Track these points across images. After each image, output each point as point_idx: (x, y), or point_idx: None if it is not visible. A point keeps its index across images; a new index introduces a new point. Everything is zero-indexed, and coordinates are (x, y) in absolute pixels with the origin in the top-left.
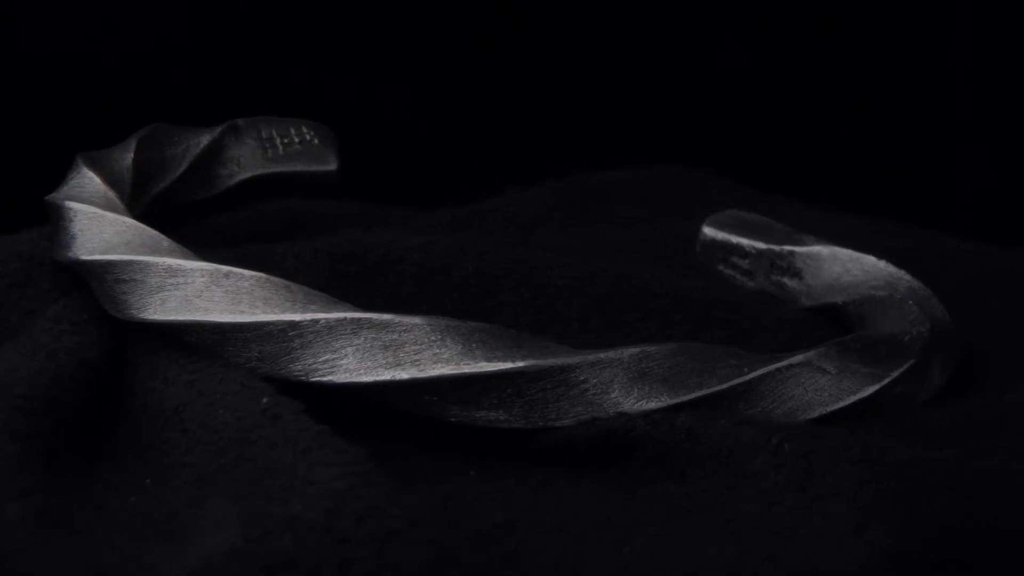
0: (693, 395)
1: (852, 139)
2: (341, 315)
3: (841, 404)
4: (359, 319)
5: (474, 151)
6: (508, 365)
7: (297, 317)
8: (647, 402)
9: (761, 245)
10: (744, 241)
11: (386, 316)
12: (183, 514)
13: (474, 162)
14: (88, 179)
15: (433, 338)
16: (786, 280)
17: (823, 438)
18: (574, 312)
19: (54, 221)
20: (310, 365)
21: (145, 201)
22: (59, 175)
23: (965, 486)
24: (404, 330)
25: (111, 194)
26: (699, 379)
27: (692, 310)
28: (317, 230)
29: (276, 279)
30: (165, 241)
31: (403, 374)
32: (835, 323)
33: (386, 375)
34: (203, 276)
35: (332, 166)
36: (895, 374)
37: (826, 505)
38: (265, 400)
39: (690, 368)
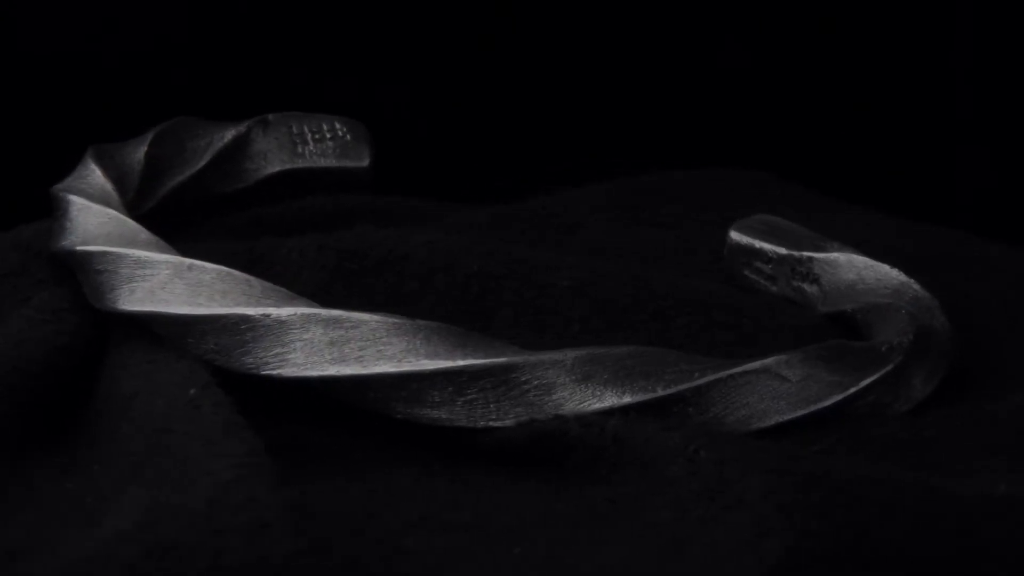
0: (637, 399)
1: (852, 139)
2: (292, 310)
3: (801, 413)
4: (309, 314)
5: (474, 151)
6: (448, 364)
7: (250, 311)
8: (589, 405)
9: (782, 250)
10: (767, 246)
11: (335, 312)
12: (109, 500)
13: (474, 163)
14: (90, 171)
15: (378, 335)
16: (805, 286)
17: (740, 447)
18: (576, 313)
19: (53, 212)
20: (261, 358)
21: (161, 193)
22: (59, 175)
23: (873, 504)
24: (351, 326)
25: (108, 186)
26: (645, 383)
27: (696, 313)
28: (338, 225)
29: (237, 273)
30: (143, 233)
31: (346, 370)
32: (847, 330)
33: (331, 370)
34: (167, 268)
35: (365, 162)
36: (864, 384)
37: (731, 514)
38: (192, 392)
39: (638, 372)
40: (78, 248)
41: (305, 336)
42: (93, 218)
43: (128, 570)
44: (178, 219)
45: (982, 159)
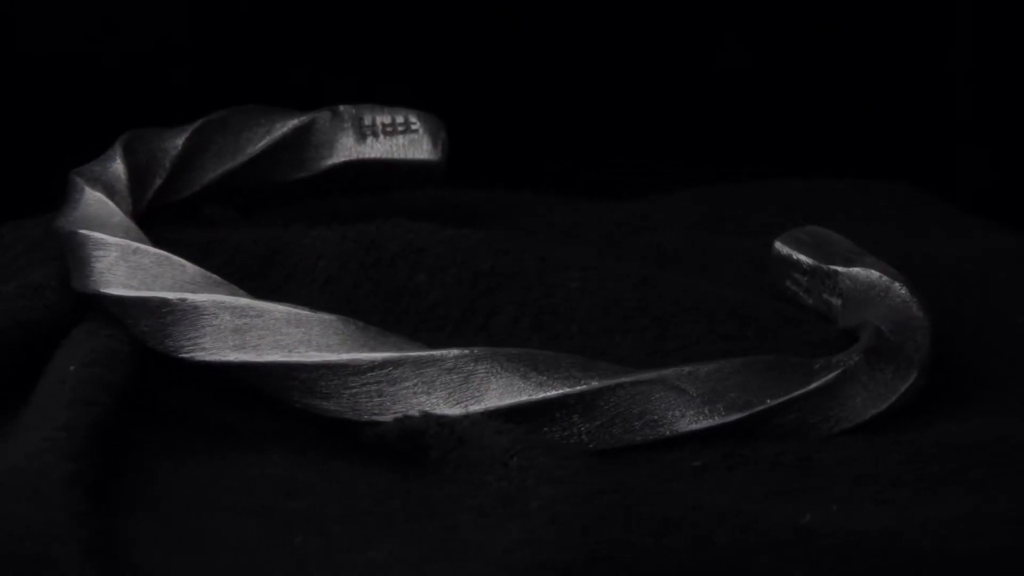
0: (516, 402)
1: (852, 139)
2: (206, 297)
3: (696, 427)
4: (219, 301)
5: (473, 152)
6: (332, 357)
7: (170, 295)
8: (466, 406)
9: (813, 263)
10: (803, 258)
11: (242, 300)
12: None
13: (473, 162)
14: (110, 156)
15: (278, 325)
16: (832, 299)
17: (551, 457)
18: (577, 314)
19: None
20: (178, 342)
21: (207, 180)
22: (58, 175)
23: (648, 523)
24: (255, 315)
25: (121, 171)
26: (525, 385)
27: (699, 321)
28: (385, 217)
29: (174, 258)
30: (117, 216)
31: (244, 357)
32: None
33: (231, 356)
34: (116, 251)
35: (435, 156)
36: (776, 402)
37: (512, 523)
38: (72, 368)
39: (521, 374)
40: (59, 228)
41: (215, 322)
42: (84, 201)
43: None
44: (230, 206)
45: (982, 159)
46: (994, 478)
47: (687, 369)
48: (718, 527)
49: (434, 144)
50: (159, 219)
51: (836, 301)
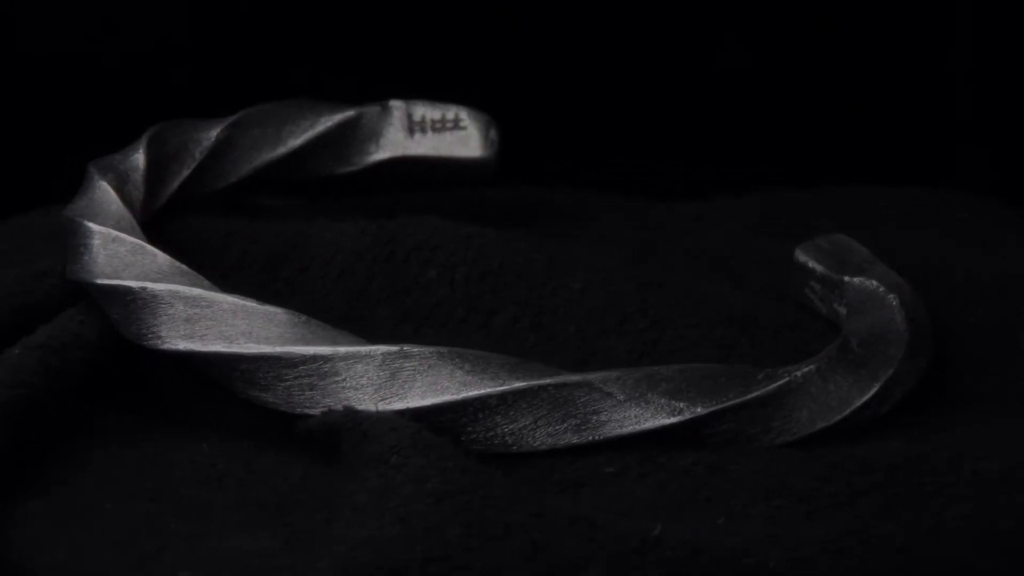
0: (437, 401)
1: (852, 139)
2: (164, 287)
3: (621, 432)
4: (176, 291)
5: None
6: (268, 349)
7: (133, 284)
8: (389, 403)
9: (825, 272)
10: (818, 267)
11: (195, 291)
12: None
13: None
14: (133, 147)
15: (224, 316)
16: (840, 309)
17: (427, 455)
18: (576, 316)
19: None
20: (140, 330)
21: (244, 172)
22: (58, 175)
23: (491, 526)
24: (205, 305)
25: (139, 161)
26: (449, 384)
27: (699, 326)
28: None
29: (148, 247)
30: (115, 205)
31: (191, 346)
32: None
33: (180, 345)
34: (98, 239)
35: (484, 154)
36: (705, 411)
37: (367, 519)
38: (17, 351)
39: (446, 374)
40: (62, 217)
41: (170, 311)
42: (91, 190)
43: None
44: (281, 196)
45: (982, 159)
46: (905, 499)
47: (615, 373)
48: (563, 534)
49: (483, 142)
50: (191, 208)
51: (842, 310)
